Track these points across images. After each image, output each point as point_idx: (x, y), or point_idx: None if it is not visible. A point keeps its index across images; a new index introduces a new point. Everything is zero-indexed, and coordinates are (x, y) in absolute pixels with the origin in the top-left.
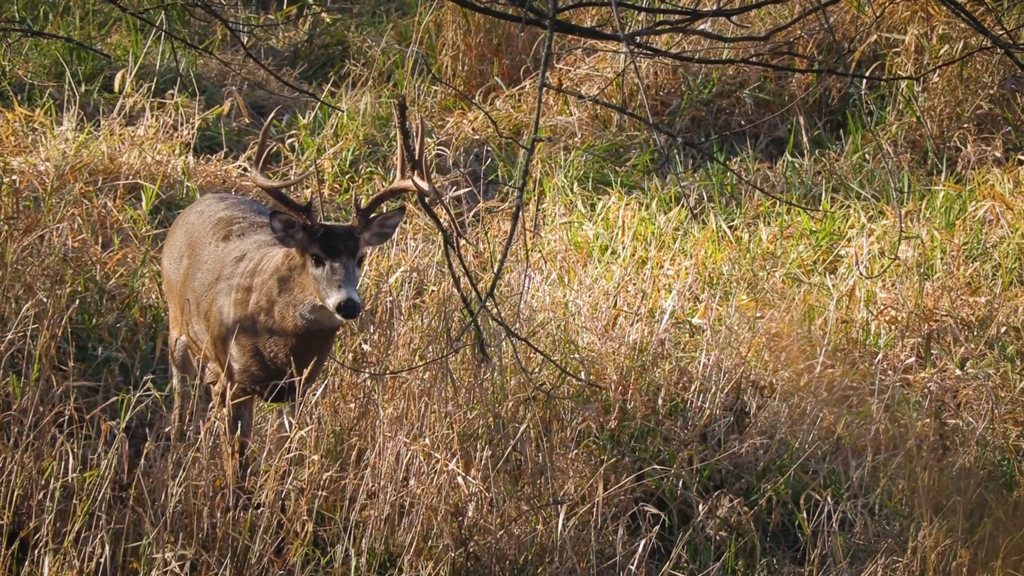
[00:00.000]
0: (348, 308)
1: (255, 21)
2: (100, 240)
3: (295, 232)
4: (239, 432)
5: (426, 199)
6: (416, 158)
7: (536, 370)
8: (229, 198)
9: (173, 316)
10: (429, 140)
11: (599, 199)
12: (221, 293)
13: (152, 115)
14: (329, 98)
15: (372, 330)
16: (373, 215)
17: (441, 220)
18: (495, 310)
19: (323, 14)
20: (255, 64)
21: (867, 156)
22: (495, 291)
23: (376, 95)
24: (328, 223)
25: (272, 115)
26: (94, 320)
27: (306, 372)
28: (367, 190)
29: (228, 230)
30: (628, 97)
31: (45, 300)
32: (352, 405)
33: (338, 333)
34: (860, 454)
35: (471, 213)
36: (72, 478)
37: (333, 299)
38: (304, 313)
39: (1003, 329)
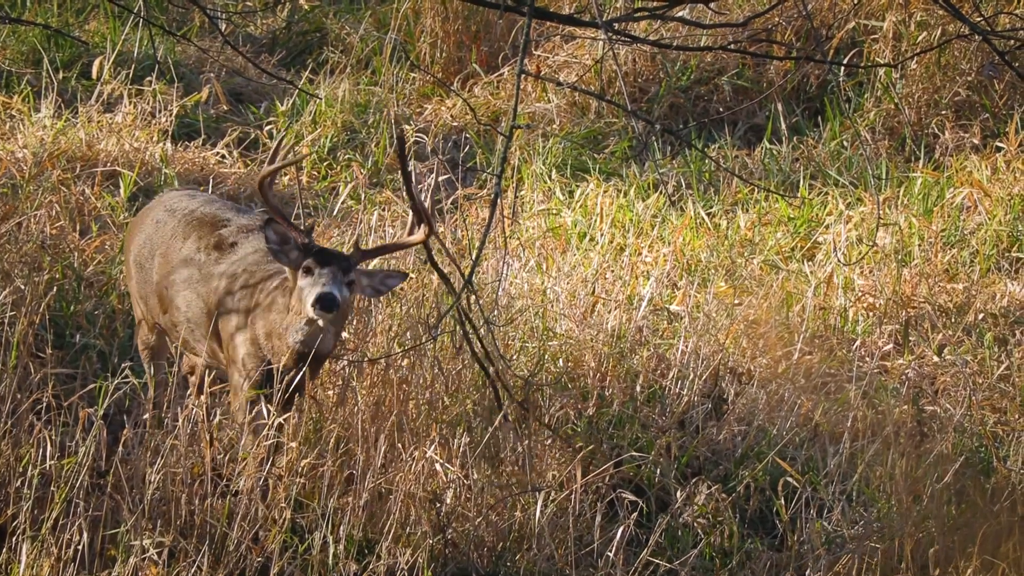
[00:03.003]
0: (324, 300)
1: (233, 8)
2: (78, 227)
3: (289, 250)
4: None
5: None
6: (422, 212)
7: (514, 357)
8: (198, 195)
9: (142, 314)
10: (408, 127)
11: (577, 186)
12: (234, 323)
13: (130, 102)
14: (307, 85)
15: (350, 317)
16: (369, 259)
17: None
18: (473, 298)
19: (301, 1)
20: (233, 51)
21: (845, 143)
22: (473, 278)
23: (354, 82)
24: (321, 246)
25: (277, 144)
26: (72, 307)
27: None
28: (345, 177)
29: (219, 237)
30: (606, 84)
31: (23, 287)
32: (331, 392)
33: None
34: (838, 441)
35: (449, 200)
36: (50, 465)
37: (311, 298)
38: (296, 337)
39: (980, 316)
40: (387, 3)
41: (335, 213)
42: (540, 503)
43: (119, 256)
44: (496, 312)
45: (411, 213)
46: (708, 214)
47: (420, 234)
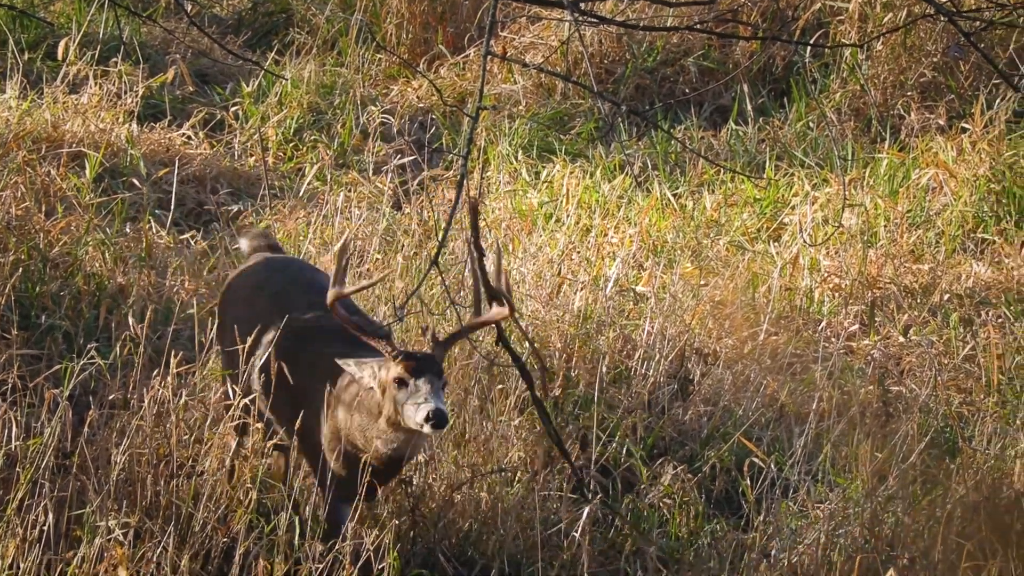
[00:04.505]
0: (437, 418)
1: None
2: (43, 208)
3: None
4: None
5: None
6: (495, 287)
7: (480, 337)
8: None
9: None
10: (373, 108)
11: (543, 167)
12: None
13: (96, 83)
14: (273, 66)
15: None
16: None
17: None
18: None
19: None
20: (199, 32)
21: (811, 124)
22: (439, 259)
23: (320, 63)
24: (404, 350)
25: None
26: (37, 288)
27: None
28: (311, 158)
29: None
30: (572, 65)
31: None
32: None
33: None
34: (804, 421)
35: (415, 181)
36: (15, 446)
37: (420, 413)
38: (387, 441)
39: (946, 296)
40: None
41: (301, 194)
42: (504, 484)
43: (84, 237)
44: (462, 293)
45: (477, 291)
46: (674, 195)
47: (496, 312)
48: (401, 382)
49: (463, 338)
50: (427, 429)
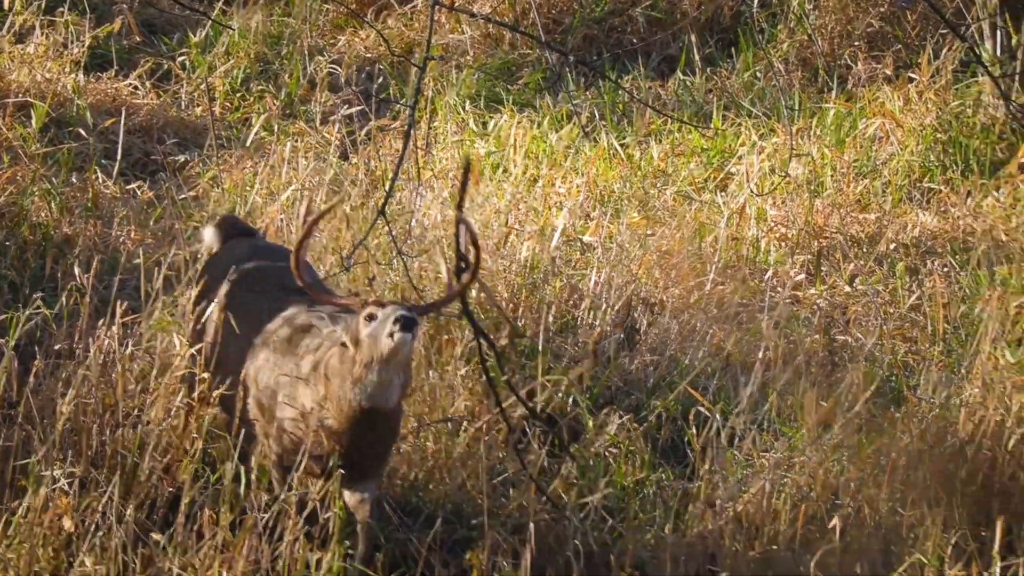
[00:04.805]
0: (404, 319)
1: None
2: None
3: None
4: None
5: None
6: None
7: (427, 288)
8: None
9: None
10: (321, 59)
11: (491, 117)
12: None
13: (42, 33)
14: (220, 16)
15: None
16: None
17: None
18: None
19: None
20: None
21: (758, 74)
22: (386, 209)
23: (268, 13)
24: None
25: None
26: None
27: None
28: (258, 108)
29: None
30: (520, 15)
31: None
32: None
33: None
34: (749, 370)
35: (363, 131)
36: None
37: (388, 324)
38: (361, 390)
39: (892, 246)
40: None
41: (248, 144)
42: (452, 433)
43: (30, 187)
44: (409, 243)
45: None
46: (621, 145)
47: (462, 282)
48: (371, 317)
49: (435, 311)
50: (396, 336)
